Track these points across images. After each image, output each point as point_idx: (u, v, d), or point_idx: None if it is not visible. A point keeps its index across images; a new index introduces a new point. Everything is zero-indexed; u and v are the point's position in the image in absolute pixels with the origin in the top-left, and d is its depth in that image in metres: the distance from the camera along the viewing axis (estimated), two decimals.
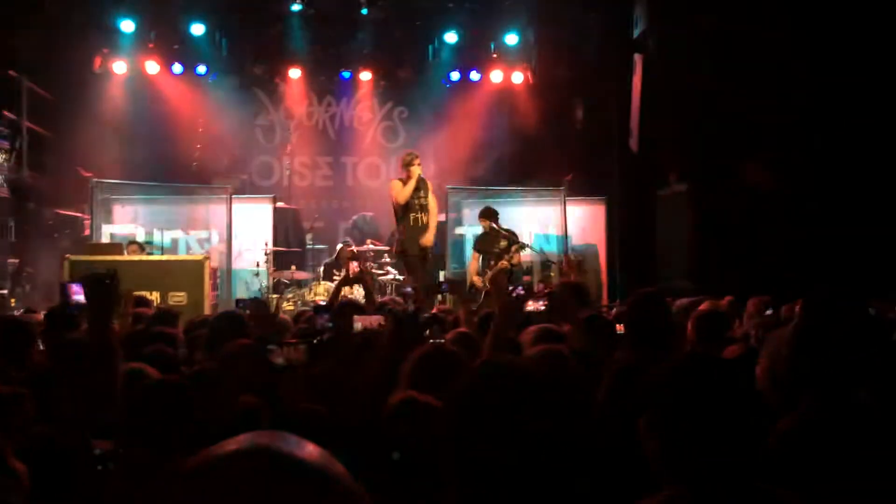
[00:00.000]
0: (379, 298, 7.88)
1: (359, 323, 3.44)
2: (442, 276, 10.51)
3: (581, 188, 12.34)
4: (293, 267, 10.50)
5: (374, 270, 10.65)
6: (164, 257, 9.81)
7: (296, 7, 12.34)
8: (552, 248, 11.65)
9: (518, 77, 13.27)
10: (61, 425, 2.06)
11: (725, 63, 10.23)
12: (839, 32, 9.61)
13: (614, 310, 5.58)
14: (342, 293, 9.26)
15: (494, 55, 13.20)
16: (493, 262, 9.39)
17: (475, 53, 13.30)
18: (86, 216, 10.77)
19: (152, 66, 12.51)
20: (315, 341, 3.80)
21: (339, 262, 10.87)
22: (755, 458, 1.63)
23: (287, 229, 11.82)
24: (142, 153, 11.87)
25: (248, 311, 3.54)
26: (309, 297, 10.01)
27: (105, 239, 10.27)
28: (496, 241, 9.56)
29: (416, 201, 8.92)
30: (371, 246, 11.04)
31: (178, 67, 12.68)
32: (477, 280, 9.53)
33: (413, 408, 2.02)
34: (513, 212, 11.87)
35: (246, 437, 0.89)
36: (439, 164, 13.26)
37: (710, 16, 10.17)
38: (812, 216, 9.69)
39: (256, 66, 13.05)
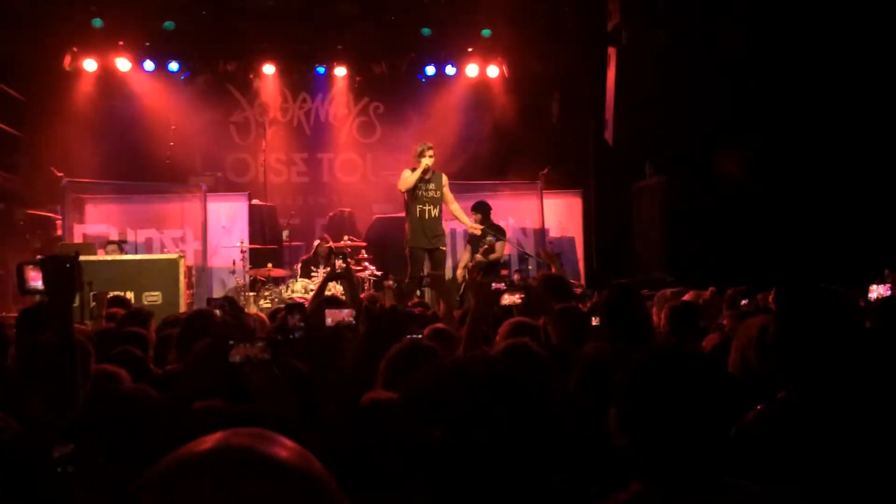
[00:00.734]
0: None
1: (329, 318, 3.40)
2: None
3: (557, 181, 12.37)
4: (270, 264, 10.43)
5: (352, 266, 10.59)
6: (139, 257, 9.72)
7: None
8: (529, 242, 11.69)
9: (493, 71, 13.26)
10: (22, 427, 2.01)
11: (698, 55, 10.29)
12: (811, 25, 9.69)
13: (588, 303, 5.58)
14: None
15: (470, 49, 13.17)
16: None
17: (450, 48, 13.26)
18: (58, 216, 10.63)
19: (123, 64, 12.35)
20: (288, 338, 3.76)
21: (317, 258, 10.82)
22: (723, 450, 1.62)
23: (263, 226, 11.74)
24: (114, 152, 11.73)
25: (217, 311, 3.48)
26: (286, 295, 9.94)
27: (78, 239, 10.16)
28: (484, 236, 9.55)
29: (426, 193, 8.80)
30: (348, 242, 10.99)
31: (149, 65, 12.53)
32: (459, 273, 9.53)
33: (382, 408, 2.00)
34: (490, 205, 11.88)
35: (221, 435, 0.86)
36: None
37: (682, 9, 10.22)
38: (785, 206, 9.78)
39: (229, 62, 12.93)
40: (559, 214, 12.26)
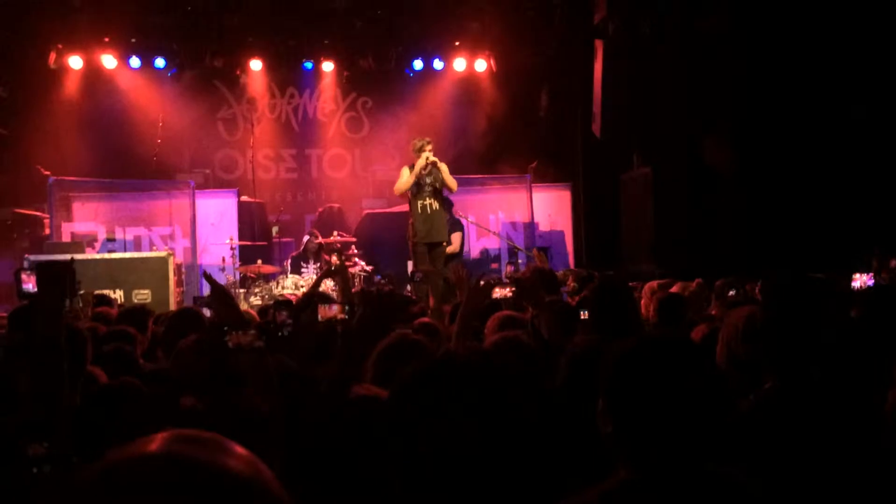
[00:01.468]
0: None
1: (320, 314, 3.40)
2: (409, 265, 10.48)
3: (546, 174, 12.40)
4: (259, 261, 10.41)
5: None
6: (128, 255, 9.69)
7: None
8: (519, 236, 11.71)
9: (481, 65, 13.25)
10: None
11: (684, 47, 10.31)
12: (794, 13, 9.72)
13: (577, 297, 5.61)
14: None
15: (457, 43, 13.15)
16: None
17: (438, 42, 13.24)
18: (45, 215, 10.58)
19: (109, 61, 12.27)
20: (276, 334, 3.75)
21: (307, 254, 10.81)
22: (709, 439, 1.63)
23: (252, 223, 11.72)
24: (101, 149, 11.66)
25: (206, 310, 3.48)
26: (276, 292, 9.92)
27: (66, 238, 10.12)
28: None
29: (426, 188, 8.80)
30: (338, 238, 10.98)
31: (135, 61, 12.45)
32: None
33: (369, 403, 2.01)
34: (479, 200, 11.90)
35: (164, 438, 0.83)
36: (404, 153, 13.21)
37: (667, 1, 10.24)
38: (773, 195, 9.83)
39: (216, 58, 12.86)
40: (548, 207, 12.29)
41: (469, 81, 13.39)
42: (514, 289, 5.07)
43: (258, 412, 1.98)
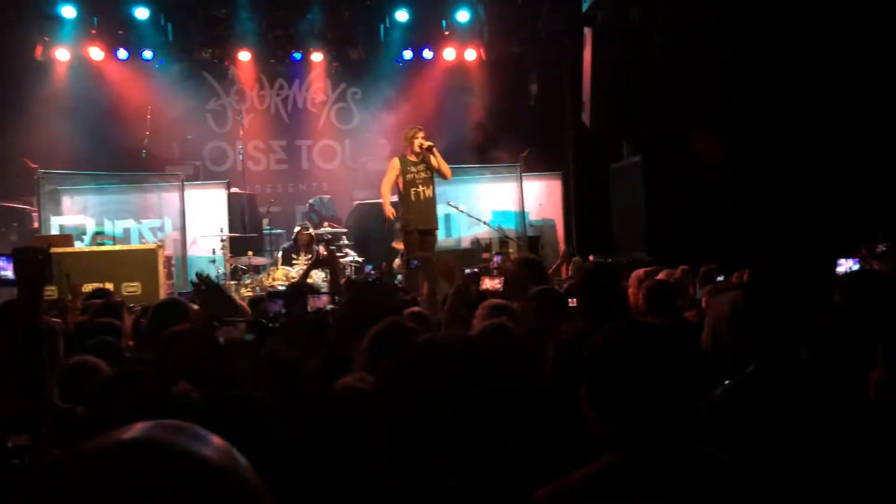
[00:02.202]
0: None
1: (309, 305, 3.41)
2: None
3: (537, 164, 12.40)
4: (250, 252, 10.39)
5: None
6: (117, 247, 9.65)
7: None
8: (510, 225, 11.71)
9: (471, 54, 13.23)
10: None
11: (674, 34, 10.32)
12: (789, 4, 9.74)
13: (566, 284, 5.63)
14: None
15: (446, 33, 13.13)
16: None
17: (427, 31, 13.21)
18: (34, 208, 10.52)
19: (96, 53, 12.20)
20: (269, 326, 3.76)
21: (298, 245, 10.80)
22: (693, 422, 1.65)
23: (243, 215, 11.69)
24: (89, 142, 11.60)
25: (194, 304, 3.47)
26: (267, 283, 9.91)
27: (55, 231, 10.07)
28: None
29: (417, 175, 8.80)
30: (329, 228, 10.97)
31: (123, 53, 12.38)
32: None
33: (354, 393, 2.02)
34: (470, 189, 11.89)
35: (142, 427, 0.84)
36: (394, 144, 13.19)
37: None
38: (762, 183, 9.86)
39: (204, 49, 12.79)
40: (539, 197, 12.30)
41: (459, 71, 13.36)
42: (502, 279, 5.09)
43: (249, 402, 1.99)
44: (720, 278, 6.00)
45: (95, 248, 9.39)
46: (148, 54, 12.51)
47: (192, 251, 10.74)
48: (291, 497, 1.74)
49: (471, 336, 2.01)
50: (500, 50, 13.07)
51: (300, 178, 13.86)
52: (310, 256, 10.56)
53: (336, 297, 4.67)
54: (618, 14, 10.74)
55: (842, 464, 1.99)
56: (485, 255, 10.77)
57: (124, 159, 11.73)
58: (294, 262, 10.48)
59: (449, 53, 13.19)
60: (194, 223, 10.77)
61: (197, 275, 2.59)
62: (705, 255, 7.23)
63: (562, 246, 12.20)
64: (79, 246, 9.58)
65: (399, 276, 8.79)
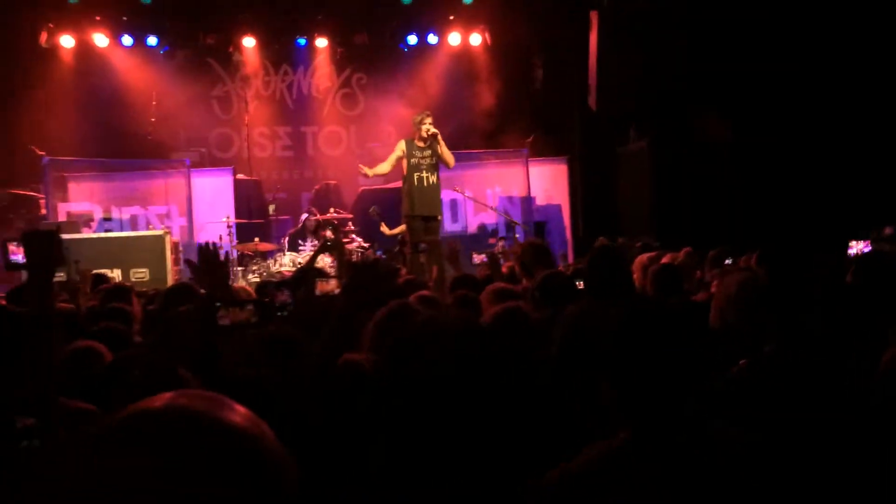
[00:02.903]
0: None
1: (318, 289, 3.42)
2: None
3: (543, 148, 12.35)
4: (257, 239, 10.40)
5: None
6: (124, 234, 9.68)
7: None
8: (516, 210, 11.70)
9: (476, 39, 13.16)
10: None
11: (681, 17, 10.24)
12: None
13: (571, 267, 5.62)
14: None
15: (451, 17, 13.05)
16: None
17: (432, 16, 13.14)
18: (41, 195, 10.55)
19: (101, 39, 12.18)
20: (276, 314, 3.76)
21: (304, 231, 10.81)
22: (705, 399, 1.66)
23: (249, 201, 11.70)
24: (95, 129, 11.60)
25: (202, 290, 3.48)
26: (274, 269, 9.93)
27: (62, 217, 10.10)
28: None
29: (422, 161, 8.78)
30: (335, 214, 10.97)
31: (127, 39, 12.36)
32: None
33: (356, 368, 2.01)
34: (476, 174, 11.87)
35: (170, 395, 0.85)
36: (400, 129, 13.16)
37: None
38: (769, 167, 9.81)
39: (209, 35, 12.76)
40: (545, 182, 12.26)
41: (464, 56, 13.30)
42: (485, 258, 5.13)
43: (249, 384, 1.99)
44: (728, 261, 5.98)
45: (103, 235, 9.41)
46: (153, 40, 12.49)
47: (198, 238, 10.76)
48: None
49: (471, 316, 2.01)
50: (505, 34, 13.00)
51: (306, 165, 13.84)
52: (316, 242, 10.58)
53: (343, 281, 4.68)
54: None
55: (852, 441, 1.99)
56: (491, 241, 10.77)
57: (130, 146, 11.74)
58: (300, 248, 10.50)
59: (454, 38, 13.12)
60: (200, 210, 10.79)
61: (199, 246, 2.58)
62: (713, 239, 7.21)
63: (568, 232, 12.18)
64: (87, 233, 9.61)
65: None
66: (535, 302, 3.77)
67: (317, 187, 12.90)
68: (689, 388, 1.63)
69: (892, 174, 9.25)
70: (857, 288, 3.28)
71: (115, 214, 10.44)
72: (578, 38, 11.54)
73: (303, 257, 10.19)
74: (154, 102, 11.89)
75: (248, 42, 12.90)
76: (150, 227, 10.36)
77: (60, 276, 5.87)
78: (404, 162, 8.81)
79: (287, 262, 10.07)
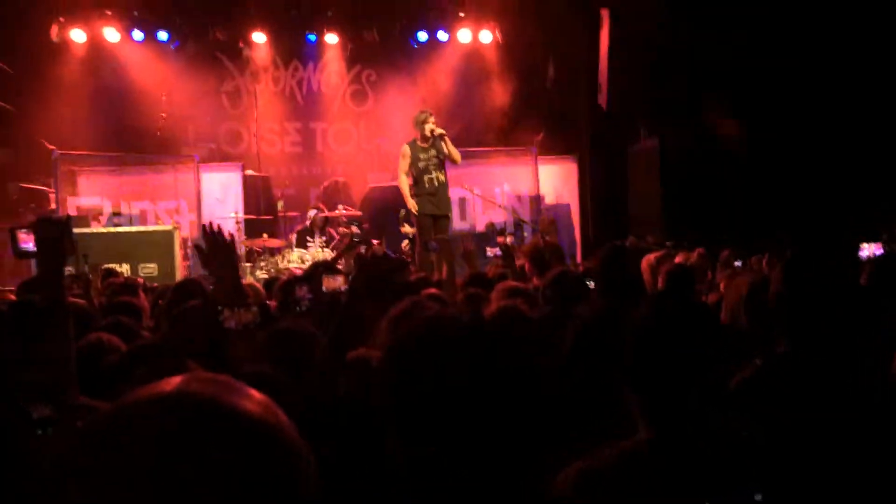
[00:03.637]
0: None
1: (325, 285, 3.41)
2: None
3: (552, 147, 12.33)
4: (265, 235, 10.41)
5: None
6: (134, 228, 9.71)
7: None
8: (525, 209, 11.68)
9: (486, 36, 13.13)
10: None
11: (693, 15, 10.19)
12: None
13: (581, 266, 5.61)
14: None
15: (462, 14, 13.03)
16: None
17: (442, 13, 13.12)
18: (51, 189, 10.58)
19: (112, 34, 12.20)
20: (294, 309, 3.77)
21: (312, 228, 10.81)
22: (722, 400, 1.66)
23: (258, 197, 11.71)
24: (105, 123, 11.63)
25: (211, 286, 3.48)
26: (282, 265, 9.94)
27: (71, 211, 10.13)
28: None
29: (429, 160, 8.77)
30: (343, 211, 10.98)
31: (138, 34, 12.38)
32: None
33: (366, 364, 2.01)
34: (485, 172, 11.85)
35: (183, 379, 0.82)
36: (409, 127, 13.14)
37: None
38: (781, 166, 9.76)
39: (219, 31, 12.77)
40: (554, 180, 12.24)
41: (474, 53, 13.27)
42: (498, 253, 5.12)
43: (258, 380, 1.98)
44: (738, 263, 5.95)
45: (112, 230, 9.44)
46: (163, 35, 12.50)
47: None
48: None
49: (479, 313, 2.00)
50: (515, 32, 12.97)
51: (315, 161, 13.84)
52: (324, 239, 10.59)
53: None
54: None
55: (866, 443, 1.98)
56: (499, 239, 10.75)
57: (140, 141, 11.76)
58: (308, 244, 10.50)
59: (464, 35, 13.10)
60: (209, 205, 10.80)
61: (204, 226, 2.58)
62: (722, 239, 7.18)
63: (577, 231, 12.15)
64: (96, 227, 9.64)
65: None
66: (546, 300, 3.76)
67: (325, 184, 12.90)
68: (708, 387, 1.63)
69: None
70: (871, 290, 3.26)
71: (124, 209, 10.47)
72: (589, 35, 11.51)
73: (311, 253, 10.20)
74: (164, 97, 11.91)
75: (259, 38, 12.91)
76: (160, 221, 10.39)
77: (69, 269, 5.89)
78: (412, 167, 8.80)
79: (295, 259, 10.08)
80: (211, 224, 2.57)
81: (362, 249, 8.96)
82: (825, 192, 9.36)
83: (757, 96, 9.95)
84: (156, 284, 6.18)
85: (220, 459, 0.75)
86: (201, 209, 10.72)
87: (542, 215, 11.12)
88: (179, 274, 8.91)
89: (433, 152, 8.77)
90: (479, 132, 12.65)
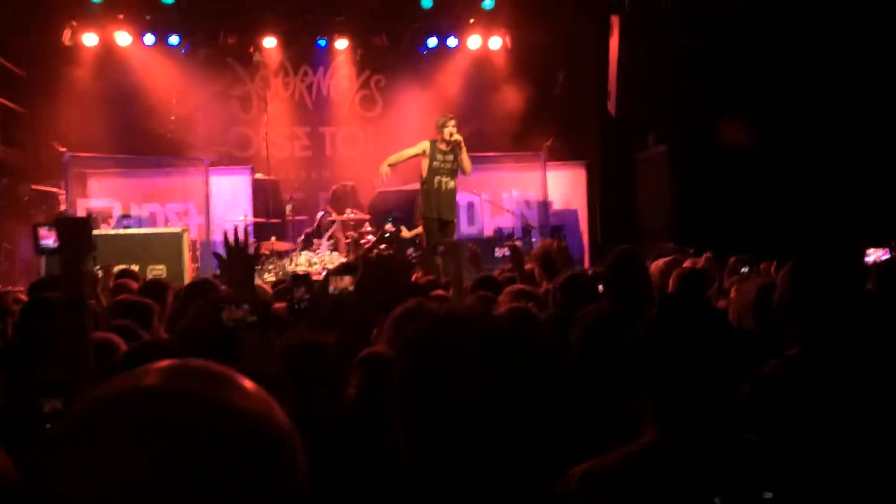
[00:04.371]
0: None
1: (332, 286, 3.42)
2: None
3: (561, 153, 12.33)
4: (274, 238, 10.44)
5: (354, 238, 10.68)
6: (143, 230, 9.75)
7: None
8: (533, 214, 11.67)
9: (496, 42, 13.15)
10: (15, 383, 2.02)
11: (702, 21, 10.19)
12: None
13: (591, 270, 5.60)
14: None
15: (471, 20, 13.06)
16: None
17: (452, 19, 13.15)
18: (61, 191, 10.64)
19: (123, 38, 12.28)
20: (294, 308, 3.78)
21: (320, 232, 10.84)
22: (733, 403, 1.66)
23: (267, 200, 11.74)
24: (116, 126, 11.70)
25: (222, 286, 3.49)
26: (290, 268, 9.97)
27: (81, 213, 10.17)
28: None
29: (444, 165, 8.79)
30: (352, 215, 11.00)
31: (149, 38, 12.45)
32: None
33: (380, 361, 2.01)
34: (493, 177, 11.86)
35: (161, 369, 0.76)
36: (417, 132, 13.16)
37: None
38: (791, 173, 9.73)
39: (230, 35, 12.84)
40: (563, 186, 12.23)
41: (484, 59, 13.29)
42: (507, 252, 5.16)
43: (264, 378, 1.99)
44: (745, 269, 5.93)
45: (121, 231, 9.48)
46: (174, 40, 12.58)
47: (216, 236, 10.82)
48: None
49: (491, 311, 2.01)
50: (525, 38, 12.98)
51: (323, 165, 13.88)
52: (331, 242, 10.63)
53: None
54: (646, 1, 10.62)
55: (875, 448, 1.97)
56: (507, 244, 10.75)
57: (150, 144, 11.82)
58: (316, 247, 10.53)
59: (474, 41, 13.12)
60: (219, 208, 10.84)
61: (225, 233, 2.58)
62: (732, 246, 7.15)
63: (585, 238, 12.14)
64: (105, 229, 9.68)
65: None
66: (556, 303, 3.76)
67: (334, 188, 12.93)
68: (718, 392, 1.63)
69: None
70: (878, 295, 3.25)
71: (133, 211, 10.52)
72: (599, 42, 11.52)
73: (318, 257, 10.23)
74: (174, 101, 11.97)
75: (269, 42, 12.97)
76: (169, 224, 10.43)
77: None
78: (425, 162, 8.82)
79: (303, 262, 10.11)
80: (235, 230, 2.58)
81: (389, 245, 9.02)
82: (833, 197, 9.32)
83: (767, 102, 9.94)
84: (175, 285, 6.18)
85: (200, 455, 0.70)
86: (210, 212, 10.75)
87: (541, 241, 11.11)
88: (188, 276, 8.94)
89: (451, 157, 8.82)
90: (488, 138, 12.65)
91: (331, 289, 3.47)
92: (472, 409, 1.26)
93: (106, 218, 10.18)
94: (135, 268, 8.53)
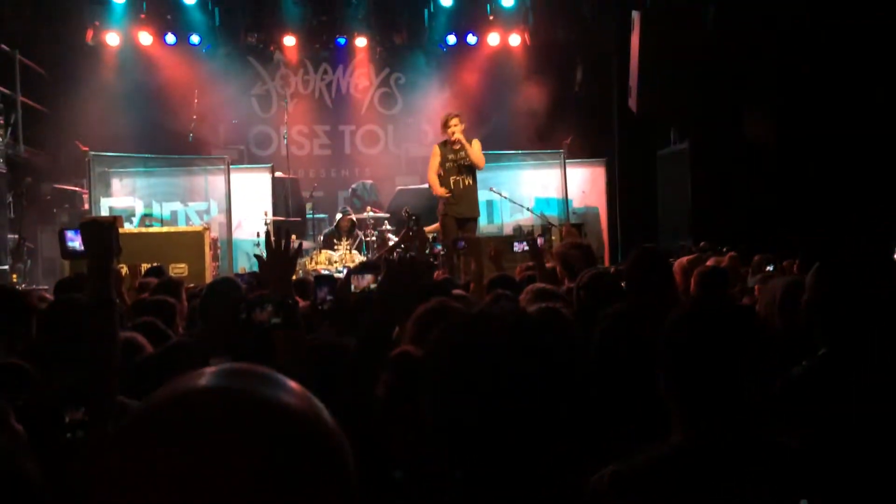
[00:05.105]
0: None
1: (354, 285, 3.42)
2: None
3: (581, 150, 12.27)
4: (294, 236, 10.46)
5: (374, 236, 10.70)
6: (165, 229, 9.81)
7: None
8: (553, 212, 11.61)
9: (515, 39, 13.12)
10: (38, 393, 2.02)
11: (725, 17, 10.10)
12: None
13: (613, 269, 5.56)
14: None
15: (491, 18, 13.03)
16: None
17: (471, 17, 13.13)
18: (84, 190, 10.74)
19: (145, 38, 12.38)
20: (317, 309, 3.78)
21: (339, 230, 10.87)
22: (763, 405, 1.63)
23: (286, 199, 11.78)
24: (138, 125, 11.79)
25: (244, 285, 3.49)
26: (310, 267, 10.00)
27: (104, 212, 10.25)
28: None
29: (456, 163, 8.78)
30: (371, 213, 11.02)
31: (171, 38, 12.55)
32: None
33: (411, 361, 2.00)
34: (513, 175, 11.82)
35: (213, 372, 0.78)
36: (437, 129, 13.14)
37: None
38: (814, 171, 9.62)
39: (250, 34, 12.91)
40: (583, 184, 12.17)
41: (503, 56, 13.26)
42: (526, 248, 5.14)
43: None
44: (770, 268, 5.88)
45: (144, 230, 9.55)
46: (195, 39, 12.66)
47: (236, 234, 10.88)
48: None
49: (523, 310, 1.99)
50: (545, 35, 12.94)
51: (343, 163, 13.93)
52: (350, 241, 10.65)
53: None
54: None
55: None
56: (527, 239, 10.70)
57: (172, 143, 11.91)
58: (336, 246, 10.55)
59: (493, 39, 13.10)
60: (239, 206, 10.89)
61: (267, 233, 2.57)
62: (753, 244, 7.09)
63: (605, 235, 12.07)
64: (128, 227, 9.76)
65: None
66: (581, 302, 3.73)
67: (353, 186, 12.96)
68: (747, 392, 1.60)
69: None
70: None
71: (155, 210, 10.59)
72: (620, 38, 11.44)
73: (338, 255, 10.25)
74: (195, 100, 12.04)
75: (289, 41, 13.02)
76: (190, 222, 10.49)
77: None
78: (441, 167, 8.81)
79: (323, 260, 10.13)
80: (278, 232, 2.58)
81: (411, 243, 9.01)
82: (857, 195, 9.21)
83: (789, 99, 9.83)
84: (193, 285, 6.22)
85: (257, 455, 0.71)
86: (231, 211, 10.81)
87: (567, 222, 11.03)
88: (209, 274, 8.98)
89: (462, 154, 8.78)
90: (508, 135, 12.62)
91: (353, 288, 3.48)
92: (505, 408, 1.25)
93: (129, 217, 10.26)
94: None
